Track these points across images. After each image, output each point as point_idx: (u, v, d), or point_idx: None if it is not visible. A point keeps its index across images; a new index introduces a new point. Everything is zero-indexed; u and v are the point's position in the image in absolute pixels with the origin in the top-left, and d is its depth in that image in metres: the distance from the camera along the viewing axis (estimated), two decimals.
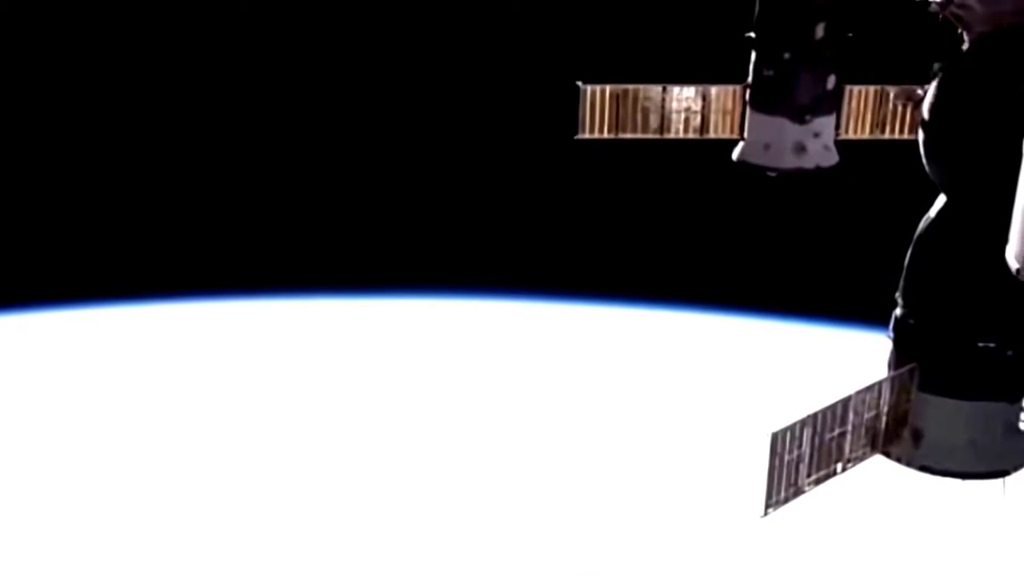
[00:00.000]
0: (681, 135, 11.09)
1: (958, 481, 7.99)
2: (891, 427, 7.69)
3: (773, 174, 11.00)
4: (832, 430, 7.33)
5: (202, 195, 31.98)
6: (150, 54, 31.53)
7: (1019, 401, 7.94)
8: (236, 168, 32.12)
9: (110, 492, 26.66)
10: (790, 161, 10.91)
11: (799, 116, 10.82)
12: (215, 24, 31.57)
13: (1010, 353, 7.82)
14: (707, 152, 11.30)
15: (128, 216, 31.90)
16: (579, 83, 10.98)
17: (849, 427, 7.44)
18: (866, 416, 7.53)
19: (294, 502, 26.56)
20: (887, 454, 7.85)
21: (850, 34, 10.80)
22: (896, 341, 8.09)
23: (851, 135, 11.03)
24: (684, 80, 11.02)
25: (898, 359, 8.02)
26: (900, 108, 10.63)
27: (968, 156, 7.71)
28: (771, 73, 10.80)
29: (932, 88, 7.99)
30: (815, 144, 10.90)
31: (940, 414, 7.82)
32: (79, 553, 24.59)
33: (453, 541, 25.56)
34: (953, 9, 7.75)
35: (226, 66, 31.43)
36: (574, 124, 11.09)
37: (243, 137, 31.77)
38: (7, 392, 29.67)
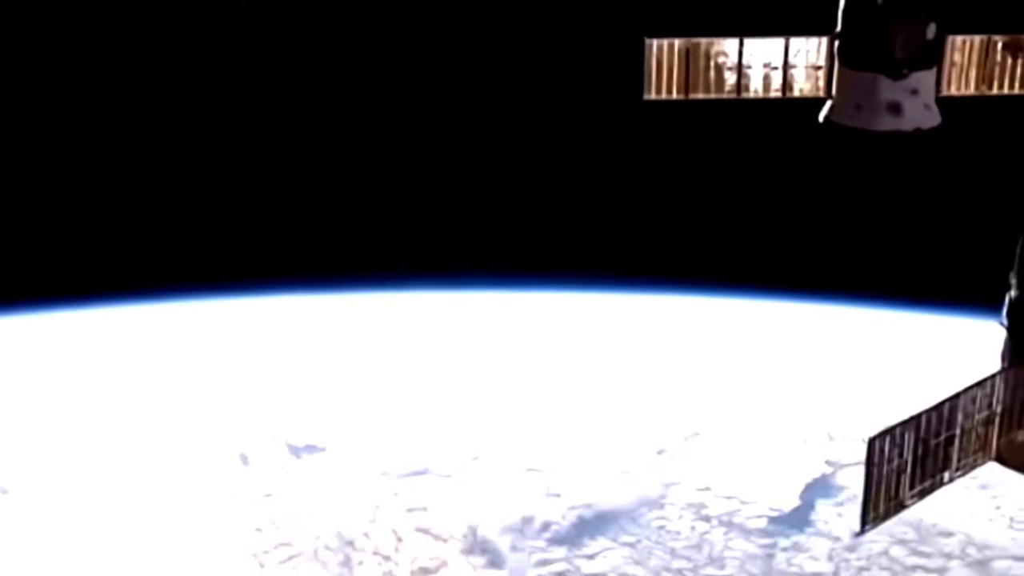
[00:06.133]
0: (760, 95, 10.82)
1: None
2: (1006, 430, 7.40)
3: (866, 138, 10.71)
4: (938, 434, 7.04)
5: (202, 197, 32.53)
6: (149, 54, 31.87)
7: None
8: (240, 168, 32.55)
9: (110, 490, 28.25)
10: (885, 122, 10.56)
11: (895, 71, 10.49)
12: (215, 24, 31.84)
13: None
14: (790, 114, 11.04)
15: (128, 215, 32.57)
16: (645, 37, 10.72)
17: (957, 430, 7.15)
18: (977, 417, 7.24)
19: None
20: (1002, 461, 7.57)
21: None
22: (1011, 329, 7.80)
23: (954, 92, 10.60)
24: (763, 31, 10.72)
25: (1013, 349, 7.73)
26: (1010, 60, 10.34)
27: None
28: (862, 22, 10.50)
29: None
30: (913, 103, 10.54)
31: None
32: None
33: None
34: None
35: (226, 66, 31.72)
36: (641, 84, 10.84)
37: (244, 138, 32.13)
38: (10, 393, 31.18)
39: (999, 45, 10.37)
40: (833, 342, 33.03)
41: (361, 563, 26.40)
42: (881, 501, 6.95)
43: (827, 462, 29.25)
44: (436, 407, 30.97)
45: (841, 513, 27.03)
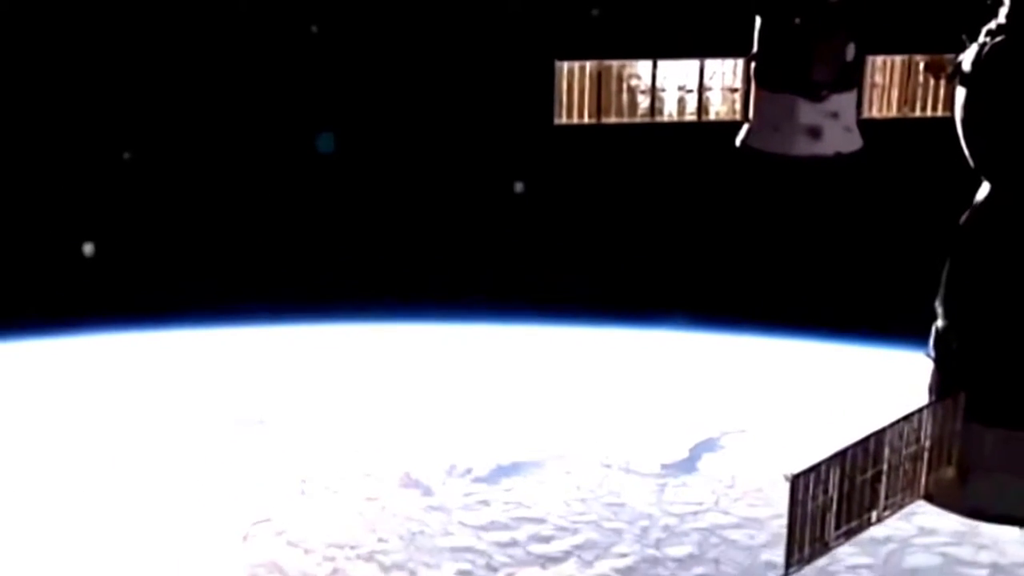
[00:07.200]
0: (675, 119, 10.71)
1: (1014, 529, 7.58)
2: (935, 466, 7.23)
3: (785, 162, 10.64)
4: (864, 471, 6.86)
5: (201, 204, 32.79)
6: (149, 55, 31.92)
7: None
8: (235, 176, 32.74)
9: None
10: (805, 146, 10.50)
11: (814, 93, 10.42)
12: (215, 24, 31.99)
13: None
14: (706, 138, 10.94)
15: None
16: (555, 59, 10.57)
17: (884, 467, 6.97)
18: (905, 453, 7.07)
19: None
20: (930, 498, 7.41)
21: None
22: (938, 360, 7.64)
23: (875, 114, 10.57)
24: (677, 53, 10.60)
25: (941, 382, 7.56)
26: (932, 81, 10.28)
27: (1016, 135, 7.26)
28: (780, 42, 10.41)
29: (969, 55, 7.54)
30: (833, 126, 10.49)
31: (992, 448, 7.38)
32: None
33: None
34: None
35: (226, 66, 31.86)
36: (551, 108, 10.71)
37: (243, 139, 32.27)
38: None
39: (921, 65, 10.30)
40: (751, 373, 33.49)
41: (313, 495, 30.32)
42: (806, 542, 6.75)
43: (716, 429, 33.03)
44: (372, 399, 34.26)
45: (724, 464, 31.85)
